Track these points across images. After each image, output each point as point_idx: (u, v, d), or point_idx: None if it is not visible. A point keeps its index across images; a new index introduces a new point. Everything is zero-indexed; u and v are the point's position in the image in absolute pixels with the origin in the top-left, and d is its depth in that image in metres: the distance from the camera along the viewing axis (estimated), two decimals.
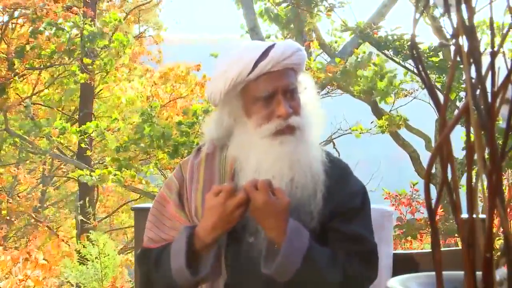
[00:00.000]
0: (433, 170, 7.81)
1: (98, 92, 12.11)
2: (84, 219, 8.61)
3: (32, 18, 9.28)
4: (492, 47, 0.72)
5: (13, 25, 10.31)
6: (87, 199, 8.76)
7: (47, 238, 11.45)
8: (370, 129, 8.28)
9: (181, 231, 1.64)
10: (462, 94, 8.10)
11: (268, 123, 1.64)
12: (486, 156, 0.72)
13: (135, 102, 11.42)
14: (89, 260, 5.81)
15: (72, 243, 9.45)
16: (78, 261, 6.18)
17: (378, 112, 8.87)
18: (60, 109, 12.29)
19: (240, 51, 1.69)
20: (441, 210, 6.67)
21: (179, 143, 7.54)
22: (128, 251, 11.13)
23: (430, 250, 0.78)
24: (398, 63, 8.08)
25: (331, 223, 1.67)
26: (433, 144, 9.15)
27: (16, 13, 9.88)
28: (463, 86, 7.40)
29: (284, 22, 9.42)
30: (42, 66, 10.04)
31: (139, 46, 12.38)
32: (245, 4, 9.13)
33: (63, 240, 9.85)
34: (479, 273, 0.73)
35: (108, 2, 12.13)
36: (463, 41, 0.72)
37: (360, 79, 8.05)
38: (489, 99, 0.72)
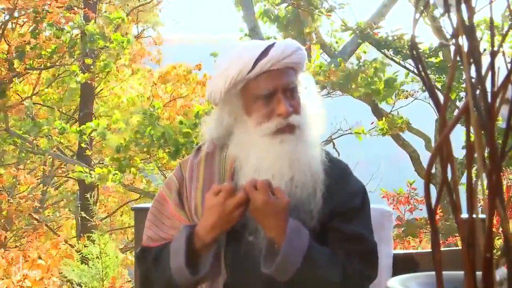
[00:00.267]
0: (433, 170, 7.81)
1: (98, 92, 12.11)
2: (87, 217, 8.61)
3: (34, 18, 9.28)
4: (492, 47, 0.72)
5: (13, 24, 10.31)
6: (91, 194, 8.76)
7: (47, 238, 11.45)
8: (370, 130, 8.27)
9: (181, 230, 1.64)
10: (462, 94, 8.11)
11: (268, 122, 1.64)
12: (486, 156, 0.72)
13: (135, 102, 11.42)
14: (90, 260, 5.81)
15: (73, 243, 9.45)
16: (78, 261, 6.18)
17: (378, 113, 8.87)
18: (60, 109, 12.29)
19: (240, 50, 1.70)
20: (440, 210, 6.67)
21: (180, 143, 7.54)
22: (128, 251, 11.14)
23: (430, 250, 0.78)
24: (398, 63, 8.09)
25: (331, 222, 1.67)
26: (433, 144, 9.15)
27: (16, 13, 9.88)
28: (463, 86, 7.40)
29: (284, 23, 9.42)
30: (42, 66, 10.04)
31: (139, 47, 12.38)
32: (245, 4, 9.13)
33: (64, 242, 9.86)
34: (479, 273, 0.73)
35: (108, 2, 12.14)
36: (463, 41, 0.72)
37: (361, 84, 8.06)
38: (489, 99, 0.72)
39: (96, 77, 10.70)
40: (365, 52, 8.64)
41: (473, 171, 0.75)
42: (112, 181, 7.89)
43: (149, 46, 12.74)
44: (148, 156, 8.08)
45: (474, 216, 0.73)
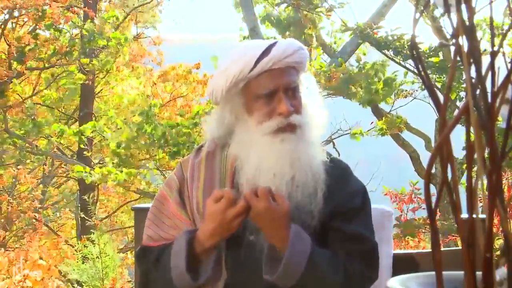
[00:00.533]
0: (433, 170, 7.81)
1: (98, 92, 12.11)
2: (85, 217, 8.60)
3: (33, 17, 9.28)
4: (492, 47, 0.72)
5: (13, 24, 10.31)
6: (89, 194, 8.75)
7: (48, 238, 11.45)
8: (369, 130, 8.28)
9: (181, 235, 1.64)
10: (462, 94, 8.11)
11: (269, 121, 1.65)
12: (486, 156, 0.72)
13: (135, 101, 11.43)
14: (90, 260, 5.81)
15: (73, 243, 9.45)
16: (79, 260, 6.18)
17: (378, 113, 8.87)
18: (59, 109, 12.28)
19: (241, 49, 1.71)
20: (439, 212, 6.67)
21: (180, 143, 7.54)
22: (129, 251, 11.13)
23: (430, 250, 0.78)
24: (399, 63, 8.09)
25: (332, 222, 1.67)
26: (433, 144, 9.15)
27: (16, 13, 9.87)
28: (463, 86, 7.40)
29: (285, 25, 9.42)
30: (41, 67, 10.04)
31: (139, 48, 12.38)
32: (245, 5, 9.13)
33: (65, 241, 9.86)
34: (479, 273, 0.73)
35: (108, 2, 12.14)
36: (463, 41, 0.72)
37: (361, 85, 8.06)
38: (489, 99, 0.72)
39: (96, 76, 10.70)
40: (364, 54, 8.64)
41: (473, 171, 0.75)
42: (113, 180, 7.89)
43: (149, 46, 12.74)
44: (148, 156, 8.08)
45: (474, 216, 0.73)
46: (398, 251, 3.01)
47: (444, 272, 0.76)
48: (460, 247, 0.76)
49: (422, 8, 0.75)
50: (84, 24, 9.61)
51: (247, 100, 1.68)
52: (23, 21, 10.19)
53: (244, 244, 1.65)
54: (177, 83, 11.70)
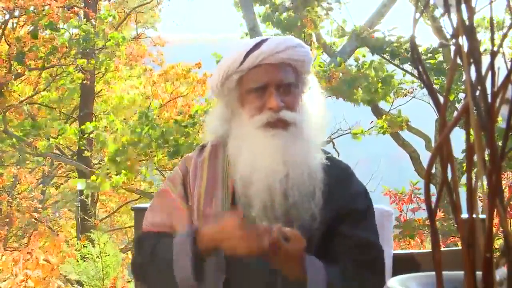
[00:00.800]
0: (433, 170, 7.81)
1: (98, 92, 12.11)
2: (85, 217, 8.60)
3: (33, 18, 9.28)
4: (492, 47, 0.72)
5: (14, 24, 10.31)
6: (87, 194, 8.76)
7: (48, 238, 11.45)
8: (370, 128, 8.27)
9: (182, 232, 1.63)
10: (461, 95, 8.11)
11: (260, 114, 1.66)
12: (486, 157, 0.73)
13: (135, 101, 11.42)
14: (90, 260, 5.81)
15: (73, 243, 9.45)
16: (79, 260, 6.18)
17: (378, 112, 8.87)
18: (59, 109, 12.28)
19: (236, 45, 1.74)
20: (441, 211, 6.66)
21: (179, 143, 7.53)
22: (129, 251, 11.14)
23: (430, 250, 0.78)
24: (397, 66, 8.10)
25: (338, 227, 1.67)
26: (433, 144, 9.15)
27: (16, 13, 9.87)
28: (462, 87, 7.40)
29: (285, 25, 9.42)
30: (40, 67, 10.03)
31: (139, 48, 12.37)
32: (245, 4, 9.13)
33: (65, 241, 9.86)
34: (479, 273, 0.73)
35: (108, 1, 12.14)
36: (463, 41, 0.72)
37: (361, 87, 8.06)
38: (489, 99, 0.72)
39: (96, 76, 10.69)
40: (364, 56, 8.63)
41: (473, 171, 0.75)
42: (111, 186, 7.89)
43: (150, 46, 12.74)
44: (146, 158, 8.06)
45: (474, 216, 0.73)
46: (398, 251, 3.01)
47: (444, 272, 0.76)
48: (460, 247, 0.76)
49: (422, 8, 0.75)
50: (81, 25, 9.60)
51: (241, 94, 1.70)
52: (24, 21, 10.18)
53: None
54: (177, 82, 11.70)
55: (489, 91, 0.72)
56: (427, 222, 6.37)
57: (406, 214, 6.83)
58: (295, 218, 1.62)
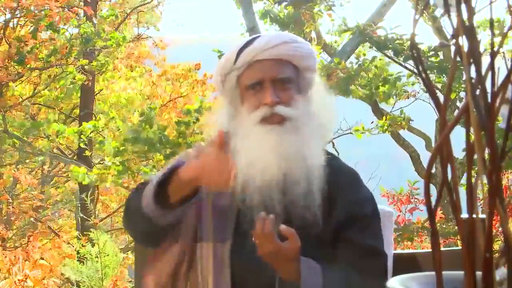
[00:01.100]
0: (433, 170, 7.81)
1: (97, 93, 12.11)
2: (84, 216, 8.60)
3: (34, 18, 9.28)
4: (492, 47, 0.72)
5: (14, 24, 10.30)
6: (87, 194, 8.76)
7: (48, 238, 11.46)
8: (372, 129, 8.26)
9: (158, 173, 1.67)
10: (462, 94, 8.10)
11: (256, 111, 1.66)
12: (486, 157, 0.73)
13: (134, 101, 11.42)
14: (88, 260, 5.80)
15: (72, 243, 9.44)
16: (78, 260, 6.17)
17: (378, 112, 8.87)
18: (59, 108, 12.28)
19: (233, 45, 1.75)
20: (441, 212, 6.65)
21: (177, 144, 7.53)
22: (129, 251, 11.13)
23: (430, 250, 0.78)
24: (399, 64, 8.09)
25: (344, 232, 1.67)
26: (433, 144, 9.15)
27: (17, 13, 9.87)
28: (463, 86, 7.40)
29: (285, 22, 9.41)
30: (40, 67, 10.03)
31: (140, 49, 12.37)
32: (244, 4, 9.13)
33: (65, 241, 9.86)
34: (479, 273, 0.73)
35: (109, 1, 12.13)
36: (463, 41, 0.72)
37: (362, 83, 8.06)
38: (489, 99, 0.72)
39: (96, 74, 10.69)
40: (364, 55, 8.63)
41: (473, 171, 0.75)
42: (113, 182, 7.89)
43: (152, 48, 12.72)
44: (147, 160, 8.06)
45: (474, 216, 0.73)
46: (398, 251, 3.00)
47: (444, 272, 0.76)
48: (460, 247, 0.76)
49: (422, 8, 0.75)
50: (81, 24, 9.60)
51: (241, 91, 1.71)
52: (24, 21, 10.18)
53: (248, 241, 1.64)
54: (177, 82, 11.70)
55: (489, 91, 0.72)
56: (426, 224, 6.38)
57: (404, 215, 6.82)
58: (295, 216, 1.62)
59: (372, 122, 8.52)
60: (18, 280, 4.64)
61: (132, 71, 11.76)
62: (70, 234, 12.15)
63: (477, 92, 0.72)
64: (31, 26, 9.84)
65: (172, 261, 1.71)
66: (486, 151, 0.73)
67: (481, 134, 0.72)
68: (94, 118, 10.80)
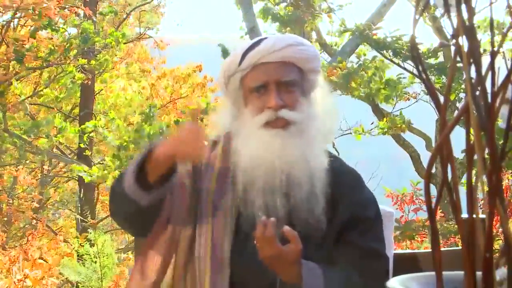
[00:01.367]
0: (433, 170, 7.80)
1: (97, 93, 12.12)
2: (82, 218, 8.61)
3: (33, 17, 9.27)
4: (492, 47, 0.72)
5: (14, 25, 10.31)
6: (85, 194, 8.74)
7: (47, 238, 11.45)
8: (371, 130, 8.26)
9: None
10: (462, 95, 8.10)
11: (260, 114, 1.65)
12: (486, 156, 0.73)
13: (133, 102, 11.42)
14: (87, 260, 5.80)
15: (72, 243, 9.44)
16: (77, 260, 6.17)
17: (379, 112, 8.86)
18: (58, 108, 12.28)
19: (238, 46, 1.75)
20: (440, 211, 6.65)
21: None
22: (130, 251, 11.13)
23: (430, 250, 0.78)
24: (398, 65, 8.08)
25: (347, 235, 1.66)
26: (433, 144, 9.15)
27: (18, 14, 9.87)
28: (463, 87, 7.40)
29: (285, 21, 9.41)
30: (40, 67, 10.02)
31: (142, 52, 12.38)
32: (244, 4, 9.13)
33: (64, 241, 9.86)
34: (479, 273, 0.73)
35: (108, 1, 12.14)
36: (463, 41, 0.72)
37: (361, 83, 8.05)
38: (489, 99, 0.72)
39: (96, 74, 10.68)
40: (365, 54, 8.62)
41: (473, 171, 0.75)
42: (114, 178, 7.89)
43: (152, 48, 12.72)
44: None
45: (474, 216, 0.73)
46: (398, 251, 3.01)
47: (444, 272, 0.76)
48: (460, 247, 0.76)
49: (422, 8, 0.75)
50: (81, 22, 9.60)
51: (244, 93, 1.70)
52: (25, 20, 10.18)
53: (249, 242, 1.63)
54: (176, 84, 11.71)
55: (489, 91, 0.72)
56: (426, 222, 6.38)
57: (407, 215, 6.81)
58: (298, 220, 1.62)
59: (372, 123, 8.52)
60: (18, 279, 4.64)
61: (128, 67, 11.76)
62: (70, 234, 12.15)
63: (477, 92, 0.72)
64: (31, 26, 9.84)
65: (164, 249, 1.70)
66: (486, 151, 0.73)
67: (481, 134, 0.72)
68: (94, 118, 10.80)
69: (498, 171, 0.71)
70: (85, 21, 9.73)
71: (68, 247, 8.13)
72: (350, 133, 8.29)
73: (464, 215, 0.74)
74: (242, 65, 1.67)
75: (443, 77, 7.69)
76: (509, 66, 0.71)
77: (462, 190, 0.76)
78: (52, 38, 9.45)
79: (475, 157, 0.74)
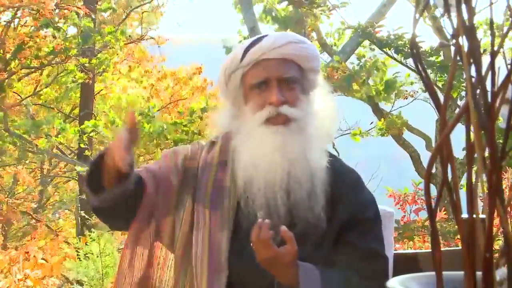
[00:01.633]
0: (433, 170, 7.80)
1: (97, 93, 12.12)
2: (86, 216, 8.59)
3: (32, 16, 9.28)
4: (492, 47, 0.72)
5: (15, 24, 10.31)
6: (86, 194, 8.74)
7: (47, 238, 11.46)
8: (370, 130, 8.27)
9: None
10: (463, 93, 8.09)
11: (261, 110, 1.66)
12: (486, 156, 0.73)
13: (134, 102, 11.43)
14: (90, 259, 5.79)
15: (72, 243, 9.44)
16: (79, 259, 6.17)
17: (379, 113, 8.86)
18: (57, 108, 12.28)
19: (239, 44, 1.77)
20: (444, 212, 6.64)
21: (179, 140, 7.54)
22: None
23: (430, 250, 0.78)
24: (400, 62, 8.08)
25: (346, 236, 1.66)
26: (433, 145, 9.15)
27: (19, 13, 9.87)
28: (464, 85, 7.39)
29: (285, 22, 9.41)
30: (39, 66, 10.03)
31: (141, 51, 12.37)
32: (244, 4, 9.12)
33: (64, 241, 9.86)
34: (479, 273, 0.73)
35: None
36: (463, 41, 0.72)
37: (362, 85, 8.05)
38: (489, 99, 0.72)
39: (97, 73, 10.68)
40: (364, 56, 8.62)
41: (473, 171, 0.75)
42: None
43: (151, 45, 12.72)
44: (147, 154, 8.08)
45: (474, 216, 0.73)
46: (398, 251, 3.00)
47: (444, 272, 0.76)
48: (460, 247, 0.76)
49: (422, 8, 0.75)
50: (81, 21, 9.59)
51: (245, 90, 1.71)
52: (25, 20, 10.18)
53: (248, 243, 1.63)
54: (176, 86, 11.72)
55: (489, 90, 0.72)
56: (426, 223, 6.38)
57: (409, 215, 6.80)
58: (299, 218, 1.62)
59: (372, 123, 8.52)
60: (18, 279, 4.64)
61: (130, 71, 11.76)
62: (70, 234, 12.15)
63: (477, 92, 0.72)
64: (31, 26, 9.84)
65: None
66: (486, 151, 0.73)
67: (481, 134, 0.72)
68: (94, 118, 10.80)
69: (498, 171, 0.71)
70: (85, 18, 9.72)
71: (68, 247, 8.14)
72: (350, 134, 8.29)
73: (464, 215, 0.74)
74: (243, 62, 1.68)
75: (445, 75, 7.68)
76: (509, 66, 0.71)
77: (462, 191, 0.76)
78: (55, 37, 9.45)
79: (475, 156, 0.74)
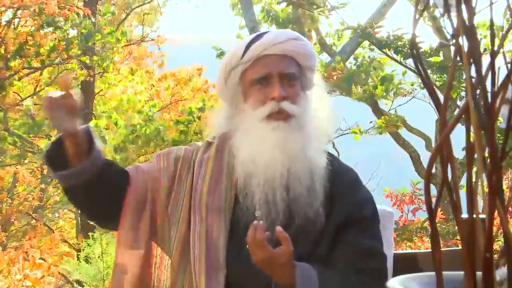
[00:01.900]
0: (433, 170, 7.80)
1: (98, 92, 12.12)
2: (82, 218, 8.57)
3: (33, 16, 9.28)
4: (492, 47, 0.72)
5: (16, 24, 10.30)
6: None
7: (47, 238, 11.45)
8: (369, 129, 8.28)
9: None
10: (463, 93, 8.09)
11: (263, 106, 1.66)
12: (486, 156, 0.72)
13: (135, 104, 11.43)
14: (92, 259, 5.80)
15: (72, 243, 9.44)
16: (79, 260, 6.17)
17: (378, 112, 8.87)
18: None
19: (239, 41, 1.76)
20: (441, 213, 6.64)
21: (177, 141, 7.53)
22: None
23: (430, 250, 0.78)
24: (399, 63, 8.09)
25: (344, 234, 1.66)
26: (433, 145, 9.15)
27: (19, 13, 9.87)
28: (464, 85, 7.39)
29: (285, 22, 9.41)
30: (40, 65, 10.02)
31: (141, 50, 12.36)
32: (244, 4, 9.12)
33: (64, 241, 9.86)
34: (479, 273, 0.73)
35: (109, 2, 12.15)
36: (463, 41, 0.72)
37: (361, 84, 8.07)
38: (489, 99, 0.72)
39: (97, 73, 10.68)
40: (363, 57, 8.63)
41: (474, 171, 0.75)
42: None
43: (151, 45, 12.72)
44: (145, 155, 8.07)
45: (474, 216, 0.73)
46: (398, 251, 3.00)
47: (444, 272, 0.76)
48: (460, 247, 0.76)
49: (422, 8, 0.75)
50: (82, 21, 9.59)
51: (244, 87, 1.71)
52: (26, 19, 10.18)
53: (246, 247, 1.64)
54: (177, 87, 11.72)
55: (489, 91, 0.72)
56: (425, 224, 6.37)
57: (407, 215, 6.80)
58: (297, 213, 1.62)
59: (371, 122, 8.53)
60: (17, 279, 4.64)
61: (132, 74, 11.76)
62: (70, 234, 12.14)
63: (477, 92, 0.72)
64: (32, 26, 9.83)
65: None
66: (486, 151, 0.73)
67: (481, 134, 0.72)
68: (94, 118, 10.80)
69: (498, 171, 0.71)
70: (86, 18, 9.72)
71: (68, 246, 8.13)
72: (350, 133, 8.30)
73: (464, 215, 0.74)
74: (244, 58, 1.68)
75: (444, 75, 7.69)
76: (509, 66, 0.71)
77: (462, 191, 0.76)
78: (56, 35, 9.44)
79: (475, 157, 0.74)
